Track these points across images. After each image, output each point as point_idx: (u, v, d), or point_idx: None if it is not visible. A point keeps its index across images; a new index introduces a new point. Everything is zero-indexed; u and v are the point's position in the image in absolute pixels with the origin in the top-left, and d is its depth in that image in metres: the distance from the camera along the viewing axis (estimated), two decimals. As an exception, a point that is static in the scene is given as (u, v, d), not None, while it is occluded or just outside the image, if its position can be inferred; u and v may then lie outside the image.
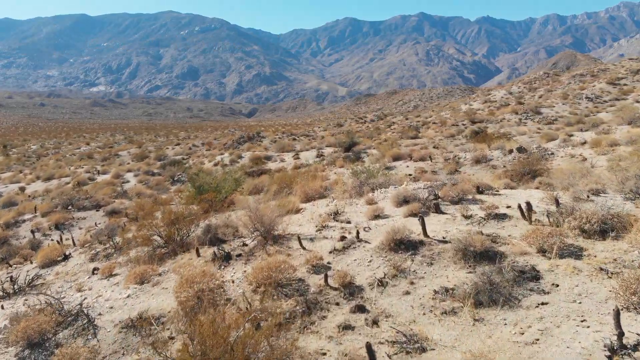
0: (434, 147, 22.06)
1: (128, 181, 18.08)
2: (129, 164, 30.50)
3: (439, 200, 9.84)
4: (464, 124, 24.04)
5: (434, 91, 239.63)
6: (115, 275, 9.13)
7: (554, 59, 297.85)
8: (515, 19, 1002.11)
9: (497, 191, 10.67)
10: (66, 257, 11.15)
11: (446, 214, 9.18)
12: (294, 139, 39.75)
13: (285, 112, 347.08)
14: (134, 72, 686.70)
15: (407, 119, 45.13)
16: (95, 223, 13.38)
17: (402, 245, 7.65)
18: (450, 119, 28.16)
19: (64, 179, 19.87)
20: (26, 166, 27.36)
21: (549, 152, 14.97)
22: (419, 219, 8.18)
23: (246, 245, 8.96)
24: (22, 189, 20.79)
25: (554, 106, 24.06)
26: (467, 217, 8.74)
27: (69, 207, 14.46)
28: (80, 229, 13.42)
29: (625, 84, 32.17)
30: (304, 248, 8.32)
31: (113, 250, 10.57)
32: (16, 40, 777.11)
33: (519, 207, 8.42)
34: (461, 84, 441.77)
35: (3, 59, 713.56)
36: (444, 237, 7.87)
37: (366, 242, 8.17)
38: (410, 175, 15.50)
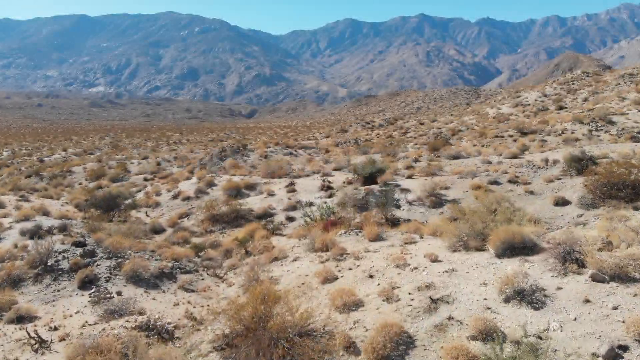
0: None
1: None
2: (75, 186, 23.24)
3: None
4: (510, 135, 19.66)
5: (437, 92, 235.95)
6: None
7: (556, 61, 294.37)
8: (516, 21, 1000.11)
9: None
10: None
11: None
12: (290, 154, 33.25)
13: (285, 113, 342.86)
14: (134, 72, 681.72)
15: (422, 123, 40.55)
16: None
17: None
18: (482, 126, 24.01)
19: None
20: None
21: None
22: None
23: None
24: None
25: (626, 113, 19.80)
26: None
27: None
28: None
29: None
30: None
31: None
32: (16, 41, 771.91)
33: None
34: (462, 85, 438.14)
35: (2, 59, 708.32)
36: None
37: None
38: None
